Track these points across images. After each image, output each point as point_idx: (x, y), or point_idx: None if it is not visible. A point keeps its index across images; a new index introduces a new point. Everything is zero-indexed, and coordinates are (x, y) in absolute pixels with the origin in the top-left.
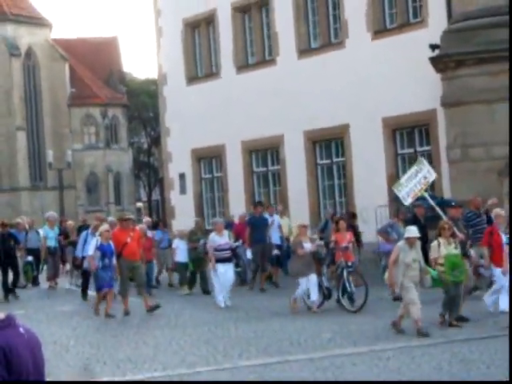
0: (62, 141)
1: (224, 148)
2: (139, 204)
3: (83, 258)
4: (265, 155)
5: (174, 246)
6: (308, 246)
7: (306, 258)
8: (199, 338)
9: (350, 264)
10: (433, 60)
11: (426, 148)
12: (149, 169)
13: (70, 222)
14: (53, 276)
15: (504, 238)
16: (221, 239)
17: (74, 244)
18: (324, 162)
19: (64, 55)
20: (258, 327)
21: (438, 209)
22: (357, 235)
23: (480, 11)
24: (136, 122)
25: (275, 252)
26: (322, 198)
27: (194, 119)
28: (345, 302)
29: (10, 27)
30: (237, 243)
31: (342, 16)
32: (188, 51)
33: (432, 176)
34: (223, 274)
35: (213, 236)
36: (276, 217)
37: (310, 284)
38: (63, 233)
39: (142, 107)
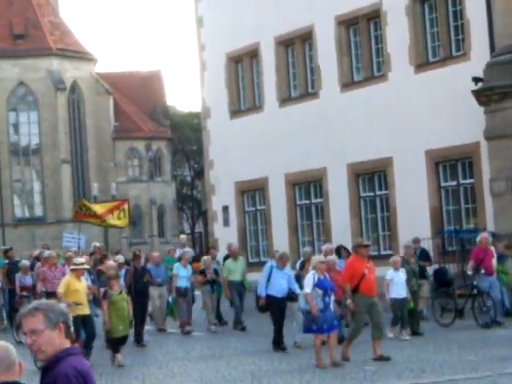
0: (107, 174)
1: (267, 181)
2: (182, 236)
3: (268, 297)
4: (308, 188)
5: (388, 277)
6: None
7: None
8: (244, 370)
9: None
10: (476, 93)
11: (469, 181)
12: (192, 201)
13: (206, 257)
14: (187, 321)
15: None
16: None
17: (211, 283)
18: (367, 194)
19: (108, 89)
20: (302, 359)
21: None
22: None
23: None
24: (179, 155)
25: None
26: (365, 231)
27: (238, 152)
28: None
29: (56, 61)
30: None
31: (385, 49)
32: (231, 85)
33: None
34: None
35: None
36: None
37: None
38: (202, 271)
39: (186, 140)
